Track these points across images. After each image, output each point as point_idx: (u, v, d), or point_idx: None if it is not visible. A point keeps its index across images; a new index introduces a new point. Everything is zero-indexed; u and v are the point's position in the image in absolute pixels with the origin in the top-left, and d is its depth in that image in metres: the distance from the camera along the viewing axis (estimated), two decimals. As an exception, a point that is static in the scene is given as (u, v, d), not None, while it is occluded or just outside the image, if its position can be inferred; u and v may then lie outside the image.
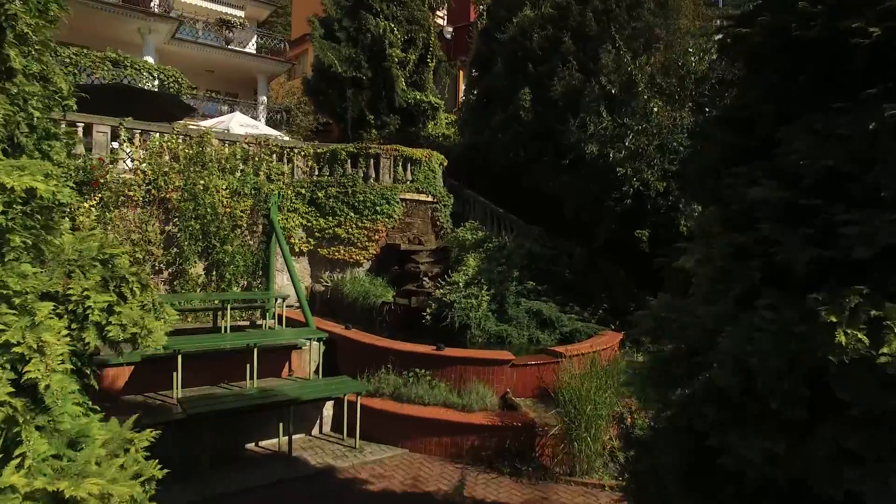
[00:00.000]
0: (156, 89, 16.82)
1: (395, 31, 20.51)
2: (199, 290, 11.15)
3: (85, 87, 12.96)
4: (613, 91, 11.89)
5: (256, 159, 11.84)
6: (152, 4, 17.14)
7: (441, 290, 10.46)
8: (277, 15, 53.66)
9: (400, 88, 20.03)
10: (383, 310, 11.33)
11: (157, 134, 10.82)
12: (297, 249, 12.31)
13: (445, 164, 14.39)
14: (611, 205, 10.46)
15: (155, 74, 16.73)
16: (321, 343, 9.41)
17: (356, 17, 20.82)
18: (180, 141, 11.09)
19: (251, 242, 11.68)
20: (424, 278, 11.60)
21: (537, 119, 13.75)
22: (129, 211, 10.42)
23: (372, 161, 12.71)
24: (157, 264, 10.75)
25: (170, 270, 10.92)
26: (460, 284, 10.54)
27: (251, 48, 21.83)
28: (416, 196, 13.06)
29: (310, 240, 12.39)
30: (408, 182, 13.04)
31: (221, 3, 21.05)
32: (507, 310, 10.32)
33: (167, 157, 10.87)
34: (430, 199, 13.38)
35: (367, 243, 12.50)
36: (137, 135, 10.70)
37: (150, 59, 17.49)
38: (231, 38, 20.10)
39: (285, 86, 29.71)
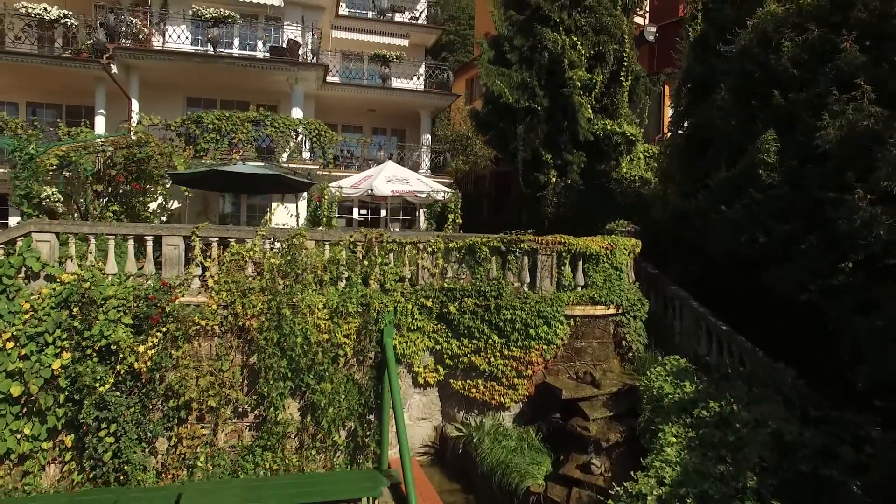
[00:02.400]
0: (294, 142, 15.13)
1: (578, 46, 16.26)
2: (293, 438, 8.57)
3: (181, 175, 11.47)
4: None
5: (366, 262, 8.88)
6: (301, 51, 15.52)
7: (615, 510, 6.31)
8: (466, 33, 52.02)
9: (584, 119, 15.76)
10: (528, 500, 7.54)
11: (236, 242, 8.43)
12: (421, 380, 9.10)
13: (639, 249, 9.99)
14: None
15: (299, 129, 15.03)
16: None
17: (530, 32, 17.04)
18: (266, 247, 8.60)
19: (358, 376, 8.76)
20: (594, 461, 7.50)
21: (790, 182, 8.64)
22: (203, 342, 8.19)
23: (526, 259, 8.93)
24: (239, 406, 8.40)
25: (256, 413, 8.50)
26: (648, 500, 6.27)
27: (416, 81, 19.39)
28: (590, 310, 8.93)
29: (439, 367, 9.09)
30: (578, 289, 8.96)
31: (383, 34, 18.94)
32: (735, 565, 5.81)
33: (250, 270, 8.45)
34: (611, 310, 9.12)
35: (515, 379, 8.79)
36: (214, 244, 8.42)
37: (297, 110, 15.91)
38: (388, 75, 17.82)
39: (463, 110, 27.17)
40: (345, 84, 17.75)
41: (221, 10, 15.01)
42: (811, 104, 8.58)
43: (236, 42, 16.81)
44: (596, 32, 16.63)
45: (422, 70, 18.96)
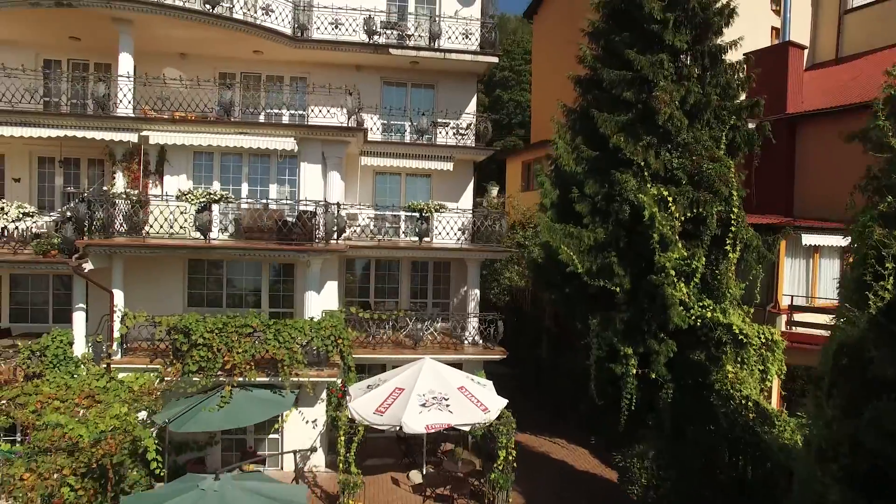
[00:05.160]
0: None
1: (672, 205, 12.48)
2: None
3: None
4: None
5: None
6: (316, 227, 12.44)
7: None
8: (521, 68, 47.83)
9: (676, 311, 12.03)
10: None
11: None
12: None
13: None
14: None
15: (308, 334, 11.97)
16: None
17: (606, 177, 13.37)
18: None
19: None
20: None
21: None
22: None
23: None
24: None
25: None
26: None
27: (460, 236, 15.84)
28: None
29: None
30: None
31: (422, 158, 15.70)
32: None
33: None
34: None
35: None
36: None
37: (312, 294, 12.86)
38: (426, 231, 14.58)
39: (520, 202, 23.75)
40: (374, 247, 14.61)
41: (211, 193, 12.15)
42: None
43: (244, 190, 13.99)
44: (694, 184, 12.76)
45: (468, 219, 15.53)
